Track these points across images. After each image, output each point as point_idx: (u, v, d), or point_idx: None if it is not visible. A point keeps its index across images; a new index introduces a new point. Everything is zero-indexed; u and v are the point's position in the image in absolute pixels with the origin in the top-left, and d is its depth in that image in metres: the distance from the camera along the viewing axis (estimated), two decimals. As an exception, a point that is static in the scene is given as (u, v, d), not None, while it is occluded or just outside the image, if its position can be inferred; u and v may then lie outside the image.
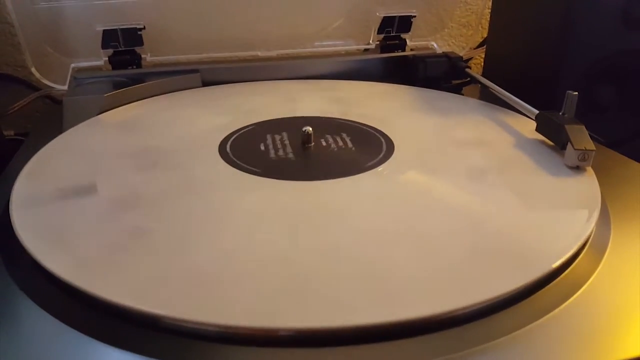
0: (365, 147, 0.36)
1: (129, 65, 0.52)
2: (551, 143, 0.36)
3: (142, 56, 0.53)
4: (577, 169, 0.32)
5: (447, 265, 0.24)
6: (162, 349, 0.20)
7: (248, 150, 0.35)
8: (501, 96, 0.44)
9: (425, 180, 0.32)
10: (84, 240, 0.26)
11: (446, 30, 0.67)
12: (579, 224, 0.27)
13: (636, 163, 0.36)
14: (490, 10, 0.57)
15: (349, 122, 0.41)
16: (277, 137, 0.38)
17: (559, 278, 0.24)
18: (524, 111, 0.40)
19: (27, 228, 0.26)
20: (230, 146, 0.36)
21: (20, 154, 0.39)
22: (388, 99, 0.47)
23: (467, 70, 0.51)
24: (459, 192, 0.30)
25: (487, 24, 0.58)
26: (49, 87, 0.52)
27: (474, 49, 0.66)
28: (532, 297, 0.23)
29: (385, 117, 0.41)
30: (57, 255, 0.24)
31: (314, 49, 0.60)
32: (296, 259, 0.24)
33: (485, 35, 0.63)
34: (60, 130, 0.40)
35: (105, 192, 0.30)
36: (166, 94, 0.48)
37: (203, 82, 0.51)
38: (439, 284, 0.23)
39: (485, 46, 0.59)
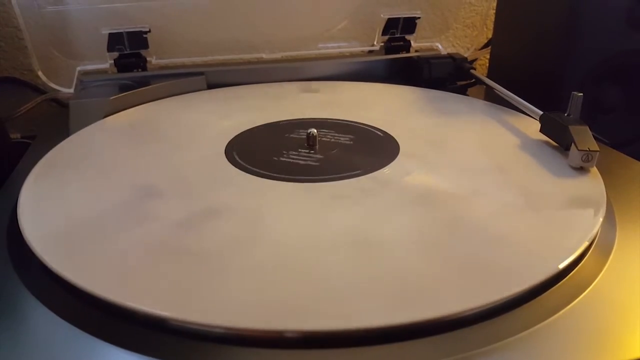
0: (370, 149, 0.36)
1: (135, 68, 0.52)
2: (555, 144, 0.36)
3: (148, 59, 0.53)
4: (581, 169, 0.32)
5: (453, 267, 0.24)
6: (169, 350, 0.20)
7: (254, 153, 0.36)
8: (506, 97, 0.44)
9: (429, 181, 0.32)
10: (91, 243, 0.26)
11: (451, 31, 0.67)
12: (585, 224, 0.27)
13: (641, 164, 0.36)
14: (494, 11, 0.57)
15: (354, 124, 0.41)
16: (283, 139, 0.38)
17: (565, 279, 0.24)
18: (528, 112, 0.40)
19: (35, 231, 0.27)
20: (236, 148, 0.36)
21: (27, 157, 0.39)
22: (392, 100, 0.47)
23: (472, 71, 0.51)
24: (464, 193, 0.30)
25: (492, 25, 0.58)
26: (55, 90, 0.52)
27: (479, 49, 0.66)
28: (539, 298, 0.23)
29: (389, 119, 0.41)
30: (65, 258, 0.25)
31: (319, 51, 0.60)
32: (303, 261, 0.24)
33: (490, 35, 0.63)
34: (66, 133, 0.40)
35: (111, 195, 0.31)
36: (172, 97, 0.48)
37: (208, 85, 0.51)
38: (446, 285, 0.23)
39: (490, 47, 0.59)
